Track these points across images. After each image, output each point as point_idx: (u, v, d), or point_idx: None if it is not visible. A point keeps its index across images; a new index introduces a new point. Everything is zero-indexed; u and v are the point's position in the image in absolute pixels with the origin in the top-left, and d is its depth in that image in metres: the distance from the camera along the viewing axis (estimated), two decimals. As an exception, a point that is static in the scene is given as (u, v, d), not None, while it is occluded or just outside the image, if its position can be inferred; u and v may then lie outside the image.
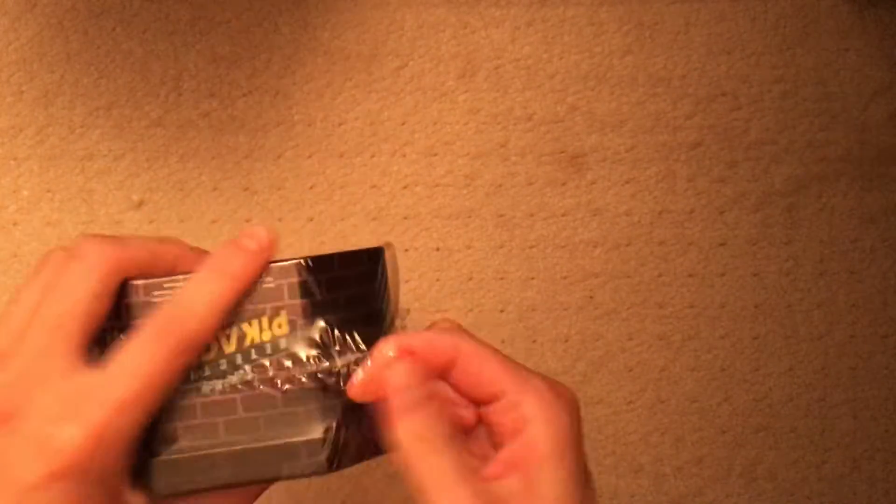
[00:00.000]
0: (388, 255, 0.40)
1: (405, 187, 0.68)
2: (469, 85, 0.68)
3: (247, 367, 0.34)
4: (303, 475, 0.35)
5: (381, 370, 0.34)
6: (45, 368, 0.29)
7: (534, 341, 0.68)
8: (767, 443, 0.68)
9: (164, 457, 0.33)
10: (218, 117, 0.67)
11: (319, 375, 0.35)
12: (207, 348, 0.34)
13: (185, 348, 0.32)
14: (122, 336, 0.33)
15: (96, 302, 0.31)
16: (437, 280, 0.68)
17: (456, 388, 0.34)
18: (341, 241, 0.67)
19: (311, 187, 0.68)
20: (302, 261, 0.37)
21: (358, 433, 0.35)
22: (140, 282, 0.34)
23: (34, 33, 0.67)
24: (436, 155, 0.68)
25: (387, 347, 0.34)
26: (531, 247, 0.68)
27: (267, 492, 0.41)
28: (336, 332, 0.35)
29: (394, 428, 0.33)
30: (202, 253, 0.37)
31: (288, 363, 0.35)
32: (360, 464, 0.36)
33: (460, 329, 0.36)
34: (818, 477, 0.68)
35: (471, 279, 0.68)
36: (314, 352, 0.35)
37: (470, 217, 0.68)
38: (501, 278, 0.68)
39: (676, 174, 0.68)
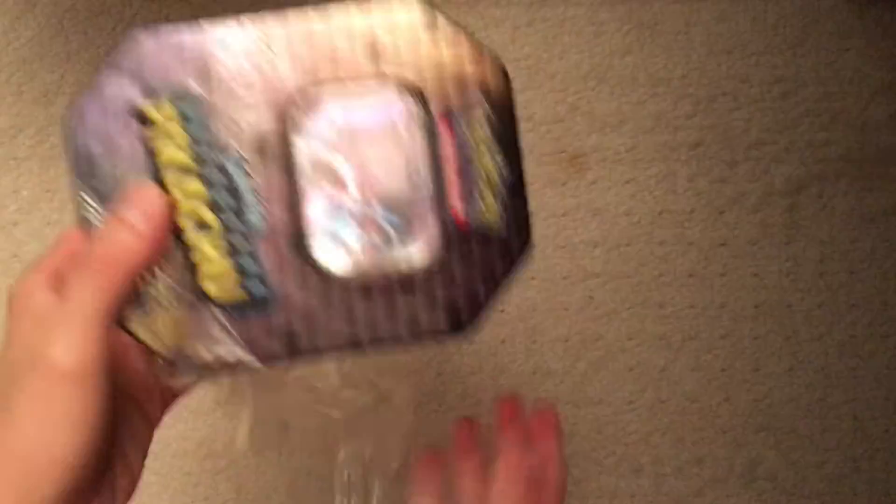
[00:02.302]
0: None
1: (405, 187, 0.68)
2: (469, 85, 0.68)
3: None
4: None
5: None
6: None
7: (534, 341, 0.68)
8: (767, 443, 0.68)
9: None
10: (218, 117, 0.67)
11: None
12: None
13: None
14: None
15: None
16: (437, 280, 0.68)
17: None
18: (341, 241, 0.67)
19: (311, 187, 0.68)
20: None
21: None
22: None
23: (34, 33, 0.67)
24: (436, 155, 0.68)
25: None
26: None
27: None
28: None
29: None
30: None
31: None
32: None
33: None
34: (818, 477, 0.68)
35: (471, 279, 0.68)
36: None
37: (470, 217, 0.68)
38: (501, 278, 0.68)
39: (676, 174, 0.68)
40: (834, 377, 0.68)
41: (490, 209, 0.34)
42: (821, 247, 0.68)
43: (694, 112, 0.68)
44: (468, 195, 0.34)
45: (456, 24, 0.34)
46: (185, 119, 0.33)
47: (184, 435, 0.66)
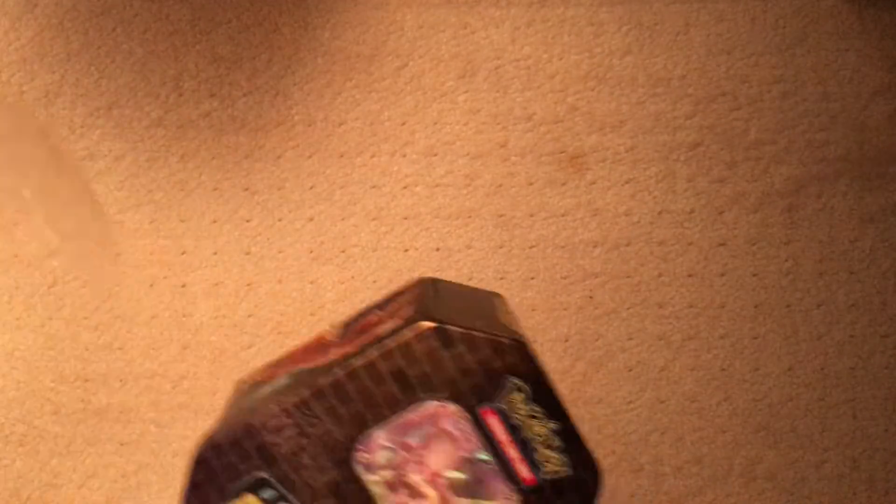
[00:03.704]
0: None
1: (405, 187, 0.68)
2: (469, 85, 0.68)
3: None
4: None
5: None
6: None
7: (534, 341, 0.68)
8: (767, 443, 0.68)
9: None
10: (218, 117, 0.67)
11: None
12: None
13: None
14: None
15: None
16: (437, 280, 0.68)
17: None
18: (341, 241, 0.68)
19: (311, 187, 0.68)
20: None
21: None
22: None
23: (35, 34, 0.67)
24: (436, 155, 0.68)
25: None
26: (531, 247, 0.68)
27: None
28: None
29: None
30: None
31: None
32: None
33: None
34: (818, 477, 0.68)
35: (471, 279, 0.68)
36: None
37: (470, 217, 0.68)
38: (501, 278, 0.68)
39: (676, 174, 0.68)
40: (833, 377, 0.68)
41: (553, 461, 0.39)
42: (820, 247, 0.69)
43: (693, 112, 0.68)
44: (531, 460, 0.39)
45: (469, 332, 0.39)
46: (268, 502, 0.38)
47: (183, 434, 0.66)
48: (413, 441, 0.39)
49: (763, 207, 0.68)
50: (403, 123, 0.68)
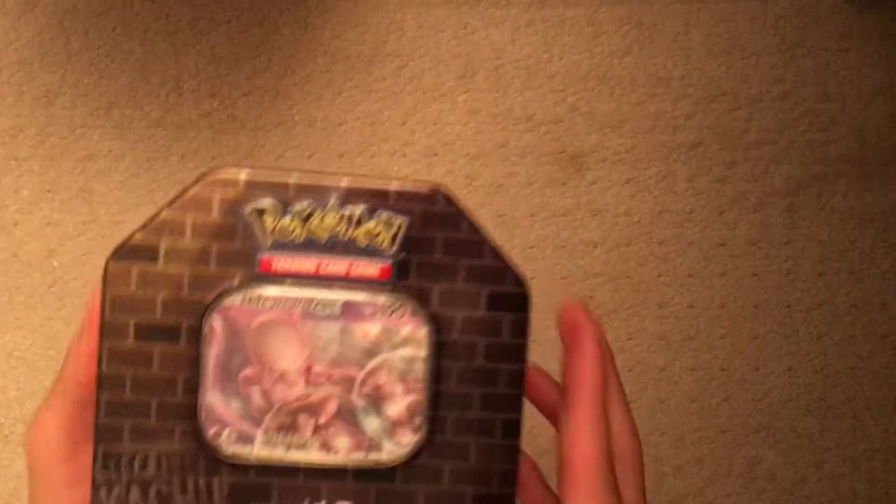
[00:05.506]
0: None
1: (405, 187, 0.68)
2: (469, 85, 0.68)
3: None
4: None
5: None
6: None
7: (534, 341, 0.68)
8: (767, 443, 0.68)
9: None
10: (218, 117, 0.67)
11: None
12: None
13: None
14: None
15: None
16: (437, 280, 0.68)
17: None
18: (341, 241, 0.68)
19: (311, 187, 0.68)
20: None
21: None
22: None
23: (35, 34, 0.67)
24: (436, 155, 0.68)
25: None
26: (531, 247, 0.68)
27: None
28: None
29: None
30: None
31: None
32: None
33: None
34: (818, 477, 0.68)
35: (471, 279, 0.68)
36: None
37: (470, 217, 0.68)
38: (501, 278, 0.68)
39: (676, 174, 0.68)
40: (833, 377, 0.68)
41: (377, 231, 0.29)
42: (820, 247, 0.69)
43: (693, 112, 0.68)
44: (365, 253, 0.29)
45: (148, 223, 0.29)
46: None
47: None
48: (250, 370, 0.28)
49: (763, 207, 0.68)
50: (403, 123, 0.68)
